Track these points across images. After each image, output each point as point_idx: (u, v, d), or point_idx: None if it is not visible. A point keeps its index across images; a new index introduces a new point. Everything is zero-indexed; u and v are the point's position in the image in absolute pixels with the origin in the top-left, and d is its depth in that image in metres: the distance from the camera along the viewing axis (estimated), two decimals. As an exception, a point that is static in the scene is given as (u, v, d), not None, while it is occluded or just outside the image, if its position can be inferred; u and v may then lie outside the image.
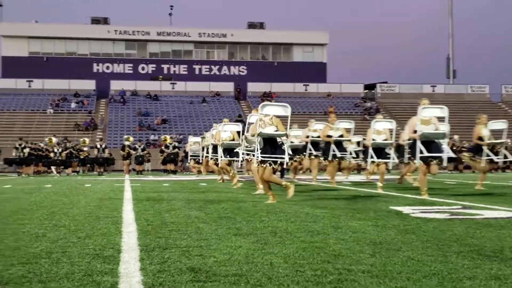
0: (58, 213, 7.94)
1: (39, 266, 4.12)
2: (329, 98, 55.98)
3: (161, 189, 14.27)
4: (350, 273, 3.93)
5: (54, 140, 33.96)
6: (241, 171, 24.79)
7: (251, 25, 62.42)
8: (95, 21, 60.37)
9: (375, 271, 3.99)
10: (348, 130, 15.38)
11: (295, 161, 17.32)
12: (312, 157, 16.25)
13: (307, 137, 16.66)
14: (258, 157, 9.58)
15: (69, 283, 3.60)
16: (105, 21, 60.47)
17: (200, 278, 3.77)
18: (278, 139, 9.88)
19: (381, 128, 13.42)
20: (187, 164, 32.58)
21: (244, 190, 13.88)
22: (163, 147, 32.12)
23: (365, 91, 60.05)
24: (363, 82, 61.34)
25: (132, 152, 30.87)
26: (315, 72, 60.67)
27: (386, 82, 60.75)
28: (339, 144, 14.90)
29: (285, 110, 9.77)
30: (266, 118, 9.73)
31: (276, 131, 9.66)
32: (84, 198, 11.04)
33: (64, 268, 4.07)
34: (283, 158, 9.68)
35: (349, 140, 15.49)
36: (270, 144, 9.68)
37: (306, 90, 57.40)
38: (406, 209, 8.34)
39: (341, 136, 14.95)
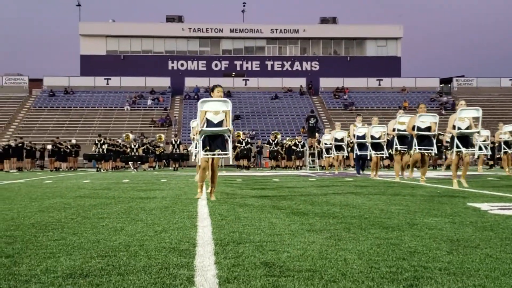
0: (135, 208, 8.16)
1: (117, 259, 4.26)
2: (403, 93, 54.94)
3: (234, 184, 14.42)
4: (426, 270, 3.86)
5: (131, 136, 34.96)
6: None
7: (324, 20, 62.03)
8: (170, 19, 61.59)
9: (452, 269, 3.91)
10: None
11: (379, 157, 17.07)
12: (397, 152, 15.70)
13: (394, 130, 16.09)
14: (201, 154, 9.42)
15: (147, 276, 3.70)
16: (179, 19, 61.57)
17: (274, 273, 3.79)
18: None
19: (466, 116, 12.92)
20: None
21: (316, 186, 13.85)
22: (236, 143, 32.42)
23: (441, 85, 58.60)
24: (438, 76, 59.84)
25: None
26: (389, 66, 59.71)
27: (463, 76, 59.05)
28: (424, 138, 14.14)
29: (226, 105, 9.47)
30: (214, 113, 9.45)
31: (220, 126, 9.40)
32: (160, 193, 11.30)
33: (142, 261, 4.19)
34: (227, 154, 9.47)
35: (478, 132, 14.11)
36: (213, 140, 9.47)
37: (379, 85, 56.58)
38: (484, 206, 8.10)
39: (429, 128, 14.14)
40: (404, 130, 15.36)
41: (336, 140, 21.76)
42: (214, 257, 4.32)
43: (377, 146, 17.65)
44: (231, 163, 10.63)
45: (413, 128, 14.14)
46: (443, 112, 49.72)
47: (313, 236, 5.38)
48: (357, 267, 3.99)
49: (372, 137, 17.90)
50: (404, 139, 15.41)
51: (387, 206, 8.26)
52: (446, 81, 59.74)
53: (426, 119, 14.14)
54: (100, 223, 6.45)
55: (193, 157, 14.10)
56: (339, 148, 21.67)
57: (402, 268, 3.92)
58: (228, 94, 54.40)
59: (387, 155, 17.35)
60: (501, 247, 4.74)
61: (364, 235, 5.43)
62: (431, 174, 21.38)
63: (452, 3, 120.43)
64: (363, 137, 18.35)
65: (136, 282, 3.54)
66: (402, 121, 15.78)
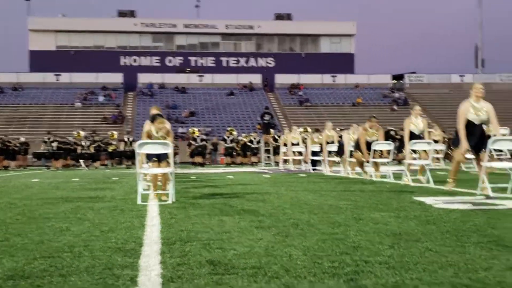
0: (83, 207, 8.08)
1: (60, 260, 4.22)
2: (357, 89, 55.63)
3: (187, 182, 14.39)
4: (367, 265, 3.95)
5: (82, 133, 34.39)
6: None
7: (278, 17, 62.23)
8: (122, 14, 60.76)
9: (392, 262, 4.01)
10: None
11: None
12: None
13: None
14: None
15: (89, 277, 3.68)
16: (131, 14, 60.83)
17: (218, 271, 3.82)
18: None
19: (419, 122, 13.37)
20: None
21: (269, 182, 13.94)
22: (191, 140, 32.29)
23: (393, 81, 59.53)
24: (391, 72, 60.80)
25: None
26: (343, 63, 60.30)
27: (414, 73, 60.12)
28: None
29: (165, 148, 8.95)
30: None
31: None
32: (111, 192, 11.19)
33: (85, 261, 4.16)
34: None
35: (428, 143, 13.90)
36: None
37: (334, 81, 57.10)
38: (429, 200, 8.29)
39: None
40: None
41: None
42: (159, 257, 4.32)
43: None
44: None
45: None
46: (395, 108, 50.56)
47: (261, 233, 5.43)
48: (301, 262, 4.05)
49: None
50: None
51: (337, 202, 8.39)
52: (398, 77, 60.69)
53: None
54: (45, 223, 6.37)
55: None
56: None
57: (344, 263, 4.00)
58: (182, 90, 54.10)
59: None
60: (441, 241, 4.88)
61: (311, 231, 5.51)
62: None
63: (405, 1, 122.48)
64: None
65: (78, 283, 3.52)
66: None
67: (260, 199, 8.92)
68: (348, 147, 16.17)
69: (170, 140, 9.23)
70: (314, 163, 19.99)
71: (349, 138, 16.55)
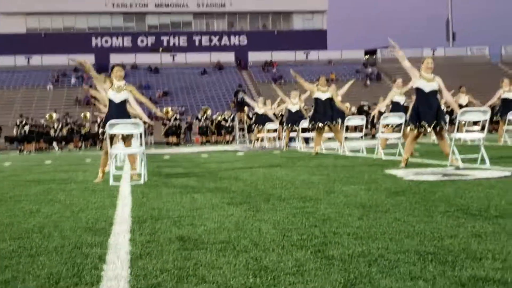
0: (55, 189, 8.02)
1: (30, 241, 4.20)
2: (330, 65, 55.70)
3: (161, 163, 14.34)
4: (335, 236, 4.00)
5: (55, 116, 34.02)
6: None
7: (250, -6, 61.82)
8: (92, -5, 59.83)
9: (360, 233, 4.06)
10: None
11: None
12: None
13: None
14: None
15: (58, 256, 3.67)
16: (102, -6, 59.93)
17: (187, 247, 3.84)
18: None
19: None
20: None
21: (243, 160, 13.96)
22: (165, 120, 32.12)
23: (365, 57, 59.73)
24: (364, 48, 60.94)
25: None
26: (316, 39, 60.25)
27: (386, 47, 60.32)
28: None
29: (137, 128, 8.77)
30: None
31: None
32: (83, 173, 11.11)
33: (55, 242, 4.15)
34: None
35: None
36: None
37: (307, 58, 57.04)
38: (399, 173, 8.38)
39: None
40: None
41: (257, 114, 21.81)
42: (129, 235, 4.33)
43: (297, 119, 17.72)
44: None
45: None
46: (368, 83, 50.78)
47: (232, 209, 5.46)
48: (270, 236, 4.09)
49: (290, 111, 18.06)
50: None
51: (309, 177, 8.44)
52: (371, 52, 60.89)
53: None
54: (16, 205, 6.33)
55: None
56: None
57: (313, 235, 4.05)
58: (155, 70, 53.66)
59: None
60: (409, 211, 4.95)
61: (282, 206, 5.55)
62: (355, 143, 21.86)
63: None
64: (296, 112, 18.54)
65: (46, 262, 3.51)
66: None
67: (233, 177, 8.94)
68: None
69: (135, 93, 9.11)
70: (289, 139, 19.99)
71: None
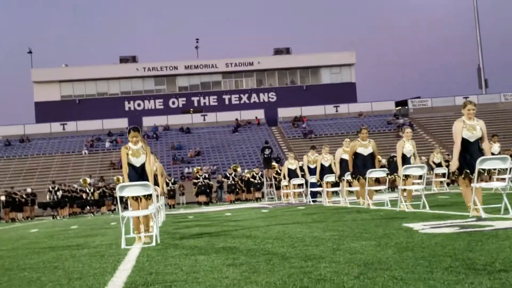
0: (65, 255, 7.94)
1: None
2: (361, 118, 55.56)
3: (182, 223, 14.24)
4: (322, 299, 3.79)
5: (89, 180, 34.44)
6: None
7: (277, 51, 62.67)
8: (124, 60, 61.47)
9: (350, 295, 3.84)
10: None
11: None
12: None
13: None
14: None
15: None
16: (133, 59, 61.51)
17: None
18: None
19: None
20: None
21: (264, 217, 13.77)
22: (194, 179, 32.20)
23: (397, 108, 59.48)
24: (394, 99, 60.74)
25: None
26: (345, 92, 60.41)
27: (419, 97, 60.05)
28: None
29: (146, 189, 8.78)
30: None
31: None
32: (101, 237, 11.05)
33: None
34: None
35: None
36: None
37: (337, 111, 57.13)
38: (417, 226, 8.10)
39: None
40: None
41: (289, 170, 21.79)
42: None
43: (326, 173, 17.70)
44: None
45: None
46: (400, 134, 50.18)
47: (230, 271, 5.28)
48: (254, 300, 3.90)
49: (322, 165, 18.08)
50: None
51: (322, 233, 8.21)
52: (401, 103, 60.65)
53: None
54: (19, 274, 6.26)
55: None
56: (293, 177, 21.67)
57: (299, 298, 3.84)
58: (187, 130, 54.28)
59: (336, 180, 17.23)
60: (411, 267, 4.70)
61: (281, 266, 5.35)
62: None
63: (403, 26, 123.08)
64: (314, 169, 18.63)
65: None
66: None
67: (245, 235, 8.76)
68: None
69: (149, 158, 9.08)
70: (314, 194, 19.79)
71: (341, 151, 16.36)
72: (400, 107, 60.27)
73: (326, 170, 18.07)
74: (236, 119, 55.27)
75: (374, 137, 50.43)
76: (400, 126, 52.96)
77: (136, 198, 9.06)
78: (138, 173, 9.01)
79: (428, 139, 51.07)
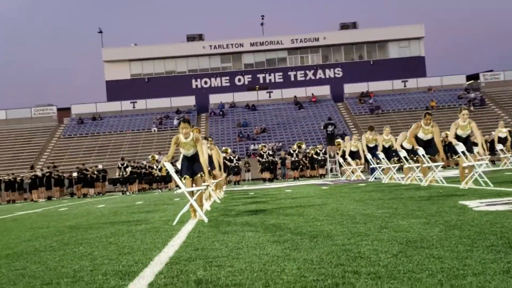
0: (121, 231, 8.20)
1: (56, 286, 4.29)
2: (430, 93, 54.23)
3: (241, 199, 14.40)
4: (353, 276, 3.79)
5: (157, 157, 35.18)
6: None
7: (344, 26, 61.77)
8: (191, 38, 62.13)
9: (382, 272, 3.83)
10: None
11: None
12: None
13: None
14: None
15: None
16: (200, 37, 62.09)
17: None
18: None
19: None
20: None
21: (322, 195, 13.74)
22: (258, 156, 32.41)
23: (468, 82, 57.66)
24: (465, 73, 58.88)
25: (228, 163, 31.32)
26: (413, 67, 59.03)
27: (491, 71, 57.97)
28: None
29: None
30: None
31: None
32: (161, 213, 11.33)
33: (78, 287, 4.22)
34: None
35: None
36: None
37: (405, 86, 55.99)
38: (473, 203, 7.92)
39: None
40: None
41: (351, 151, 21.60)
42: (153, 278, 4.32)
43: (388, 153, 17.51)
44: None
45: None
46: (471, 108, 48.80)
47: (272, 247, 5.34)
48: (286, 277, 3.94)
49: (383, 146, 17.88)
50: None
51: (375, 210, 8.15)
52: (473, 77, 58.79)
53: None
54: (73, 249, 6.52)
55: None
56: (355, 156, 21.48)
57: (331, 276, 3.86)
58: (253, 107, 54.53)
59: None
60: (453, 246, 4.63)
61: (324, 243, 5.36)
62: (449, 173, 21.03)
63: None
64: (373, 147, 18.46)
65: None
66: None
67: (298, 213, 8.79)
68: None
69: (201, 150, 9.29)
70: (374, 171, 19.59)
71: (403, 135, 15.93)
72: (471, 81, 58.44)
73: (387, 150, 17.83)
74: (295, 96, 55.00)
75: (444, 112, 49.27)
76: (471, 101, 51.42)
77: (189, 178, 9.29)
78: (190, 162, 9.43)
79: (500, 113, 49.37)
